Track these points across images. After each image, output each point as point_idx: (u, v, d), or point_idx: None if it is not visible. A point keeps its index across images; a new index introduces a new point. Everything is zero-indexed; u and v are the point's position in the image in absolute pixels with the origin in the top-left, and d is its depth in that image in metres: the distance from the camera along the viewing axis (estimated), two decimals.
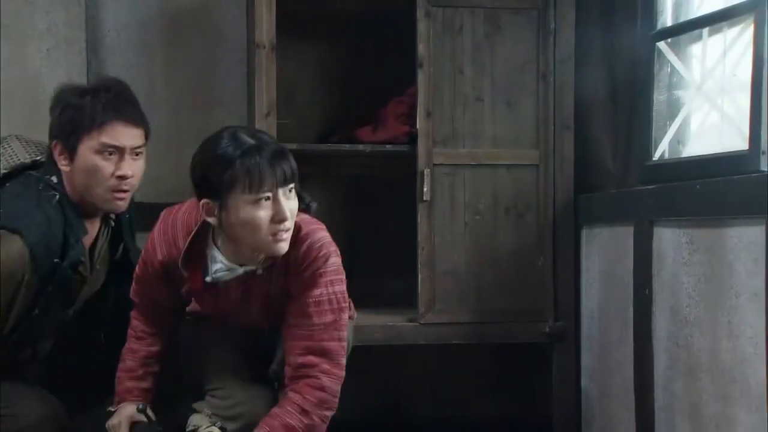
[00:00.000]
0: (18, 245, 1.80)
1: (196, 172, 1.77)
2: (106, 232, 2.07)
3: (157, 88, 2.94)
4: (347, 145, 2.71)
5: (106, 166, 1.92)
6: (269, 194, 1.70)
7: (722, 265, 1.95)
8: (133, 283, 2.00)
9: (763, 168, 1.92)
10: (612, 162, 2.57)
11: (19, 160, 2.01)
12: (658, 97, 2.39)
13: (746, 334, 1.87)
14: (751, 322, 1.84)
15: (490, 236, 2.62)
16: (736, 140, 2.07)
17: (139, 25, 2.94)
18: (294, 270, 1.81)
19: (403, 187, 2.71)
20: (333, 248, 1.84)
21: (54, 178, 1.95)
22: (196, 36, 2.96)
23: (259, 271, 1.82)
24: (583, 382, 2.66)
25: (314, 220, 1.87)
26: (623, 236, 2.39)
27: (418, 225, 2.58)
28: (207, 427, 1.87)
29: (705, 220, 2.02)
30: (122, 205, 1.98)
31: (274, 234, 1.72)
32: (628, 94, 2.50)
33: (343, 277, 1.85)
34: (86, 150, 1.91)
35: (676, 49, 2.37)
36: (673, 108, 2.38)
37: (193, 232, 1.83)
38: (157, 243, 1.89)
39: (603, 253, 2.56)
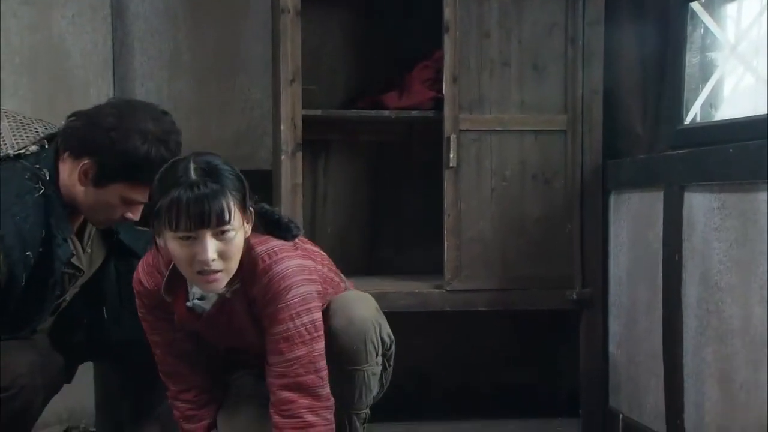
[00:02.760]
0: None
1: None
2: None
3: (182, 54, 2.94)
4: (372, 111, 2.69)
5: (121, 209, 1.87)
6: (190, 234, 1.60)
7: (755, 230, 1.92)
8: (145, 331, 1.90)
9: None
10: (641, 127, 2.52)
11: (5, 144, 1.90)
12: (691, 60, 2.34)
13: None
14: None
15: (517, 203, 2.60)
16: None
17: None
18: (259, 305, 1.72)
19: (429, 153, 2.69)
20: (298, 277, 1.70)
21: (46, 173, 1.83)
22: (220, 1, 2.95)
23: (228, 295, 1.73)
24: (611, 348, 2.65)
25: (282, 245, 1.74)
26: (653, 202, 2.35)
27: (444, 192, 2.56)
28: None
29: (737, 185, 1.98)
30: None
31: (200, 273, 1.64)
32: (660, 57, 2.45)
33: (313, 305, 1.72)
34: (114, 192, 1.83)
35: (710, 10, 2.32)
36: (706, 70, 2.33)
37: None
38: (141, 273, 1.83)
39: (631, 219, 2.53)
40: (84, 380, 2.44)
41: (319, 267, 1.84)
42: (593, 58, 2.58)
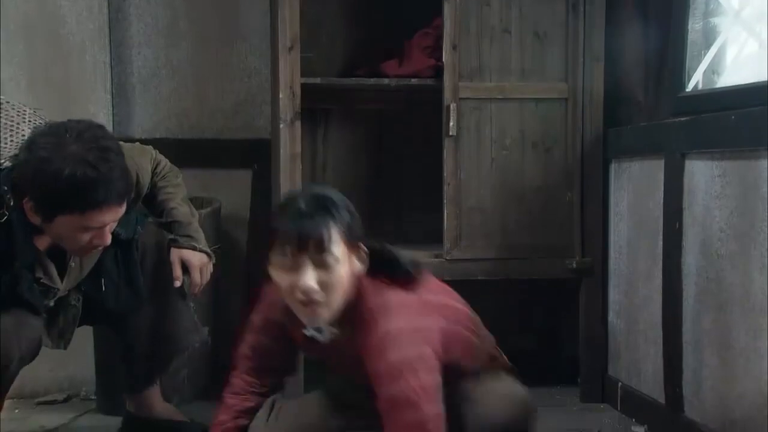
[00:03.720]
0: None
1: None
2: None
3: (180, 21, 2.91)
4: (372, 79, 2.67)
5: (84, 238, 1.80)
6: (290, 261, 1.58)
7: (756, 198, 1.91)
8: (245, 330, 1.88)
9: None
10: (643, 94, 2.51)
11: None
12: (693, 26, 2.32)
13: None
14: None
15: (517, 172, 2.59)
16: None
17: None
18: (365, 358, 1.64)
19: (429, 122, 2.68)
20: (406, 340, 1.60)
21: (11, 199, 1.77)
22: None
23: (329, 339, 1.70)
24: (610, 317, 2.65)
25: (398, 301, 1.65)
26: (653, 170, 2.34)
27: (444, 160, 2.55)
28: None
29: (739, 152, 1.97)
30: (94, 253, 1.91)
31: (302, 303, 1.61)
32: (662, 23, 2.42)
33: (422, 367, 1.60)
34: (63, 225, 1.76)
35: None
36: (709, 37, 2.31)
37: None
38: (268, 296, 1.79)
39: (632, 187, 2.52)
40: (84, 349, 2.45)
41: (443, 324, 1.71)
42: (594, 25, 2.55)
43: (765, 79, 2.03)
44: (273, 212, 1.67)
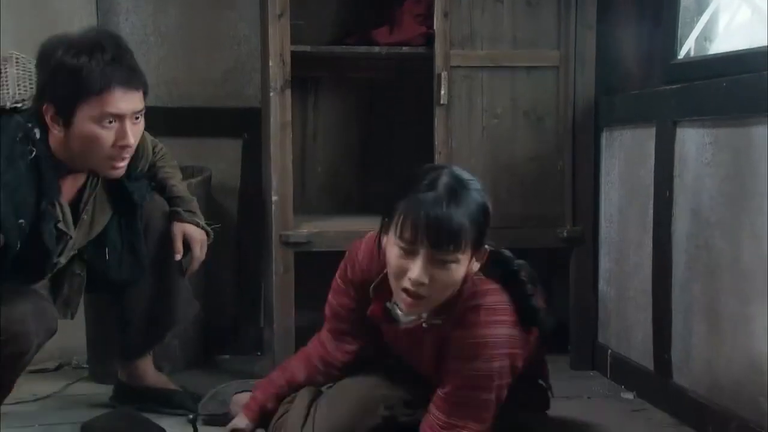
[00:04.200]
0: None
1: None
2: (93, 182, 1.96)
3: None
4: (362, 47, 2.64)
5: (107, 135, 1.78)
6: (411, 247, 1.53)
7: (747, 166, 1.91)
8: (329, 297, 1.87)
9: None
10: (635, 62, 2.50)
11: (7, 93, 1.89)
12: None
13: None
14: None
15: (509, 140, 2.58)
16: None
17: None
18: (451, 351, 1.64)
19: (420, 90, 2.66)
20: (501, 350, 1.62)
21: (37, 132, 1.79)
22: None
23: (424, 325, 1.66)
24: (601, 285, 2.66)
25: (507, 306, 1.65)
26: (645, 138, 2.34)
27: (435, 129, 2.53)
28: None
29: (730, 120, 1.97)
30: (120, 172, 1.87)
31: (405, 290, 1.56)
32: None
33: (498, 383, 1.63)
34: (84, 119, 1.76)
35: None
36: (701, 3, 2.30)
37: None
38: (362, 250, 1.76)
39: (623, 155, 2.51)
40: (76, 318, 2.45)
41: (532, 343, 1.74)
42: None
43: (757, 45, 2.03)
44: (408, 178, 1.58)
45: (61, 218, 1.86)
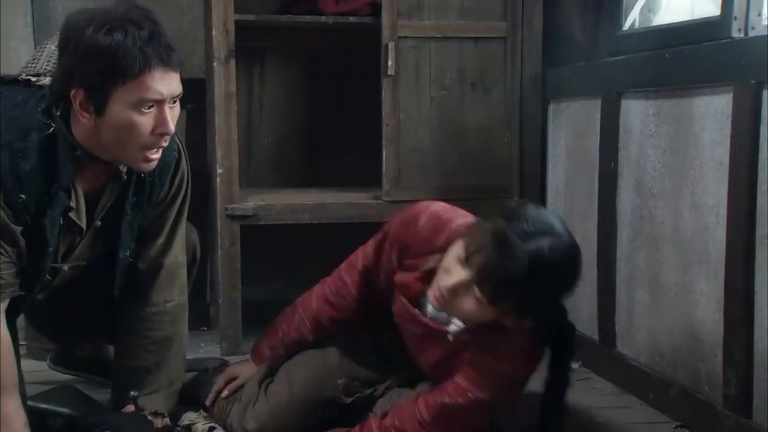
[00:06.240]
0: None
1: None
2: (116, 185, 1.74)
3: None
4: (308, 17, 2.60)
5: (145, 122, 1.57)
6: (463, 272, 1.55)
7: (688, 136, 1.93)
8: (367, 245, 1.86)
9: (734, 34, 1.87)
10: (581, 34, 2.50)
11: (34, 66, 1.73)
12: None
13: (708, 203, 1.86)
14: (714, 192, 1.84)
15: (456, 112, 2.57)
16: (710, 7, 2.00)
17: None
18: (470, 355, 1.66)
19: (367, 61, 2.63)
20: (521, 375, 1.67)
21: (57, 109, 1.60)
22: None
23: (450, 338, 1.66)
24: None
25: (531, 351, 1.67)
26: (591, 110, 2.35)
27: (383, 100, 2.51)
28: (204, 424, 1.84)
29: (673, 91, 1.98)
30: (152, 165, 1.65)
31: (439, 297, 1.59)
32: None
33: (502, 402, 1.69)
34: (119, 105, 1.55)
35: None
36: None
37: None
38: (425, 224, 1.74)
39: (570, 128, 2.52)
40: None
41: None
42: None
43: (698, 17, 2.04)
44: (509, 216, 1.59)
45: (74, 206, 1.67)
